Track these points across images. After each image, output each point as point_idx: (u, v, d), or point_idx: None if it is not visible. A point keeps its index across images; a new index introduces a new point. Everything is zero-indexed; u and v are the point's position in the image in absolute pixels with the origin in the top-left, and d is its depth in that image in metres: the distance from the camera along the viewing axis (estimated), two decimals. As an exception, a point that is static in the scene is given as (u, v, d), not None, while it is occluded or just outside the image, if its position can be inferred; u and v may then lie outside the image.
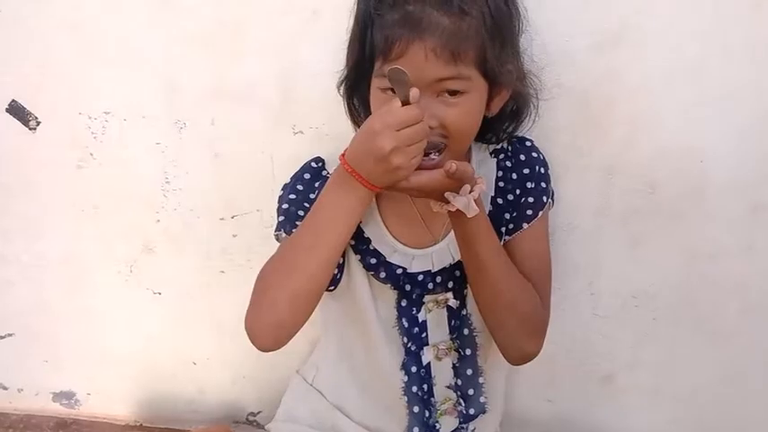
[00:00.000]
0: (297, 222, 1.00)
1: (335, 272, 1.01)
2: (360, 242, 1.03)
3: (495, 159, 1.07)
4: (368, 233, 1.03)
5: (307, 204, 1.01)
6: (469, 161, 1.06)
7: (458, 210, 0.89)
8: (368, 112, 1.01)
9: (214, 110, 1.23)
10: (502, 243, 1.04)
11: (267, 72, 1.19)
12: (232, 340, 1.39)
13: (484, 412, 1.10)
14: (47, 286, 1.41)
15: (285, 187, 1.07)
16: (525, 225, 1.05)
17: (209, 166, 1.26)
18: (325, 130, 1.19)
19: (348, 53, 1.00)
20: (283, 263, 0.95)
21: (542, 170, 1.08)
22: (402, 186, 0.88)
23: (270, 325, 0.94)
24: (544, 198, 1.07)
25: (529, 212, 1.06)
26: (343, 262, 1.04)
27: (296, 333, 0.95)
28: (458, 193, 0.89)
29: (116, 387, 1.46)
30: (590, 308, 1.27)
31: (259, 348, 0.95)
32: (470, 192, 0.89)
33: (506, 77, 0.96)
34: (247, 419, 1.45)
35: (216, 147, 1.25)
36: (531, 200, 1.06)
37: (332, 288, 1.04)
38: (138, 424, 1.46)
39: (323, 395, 1.16)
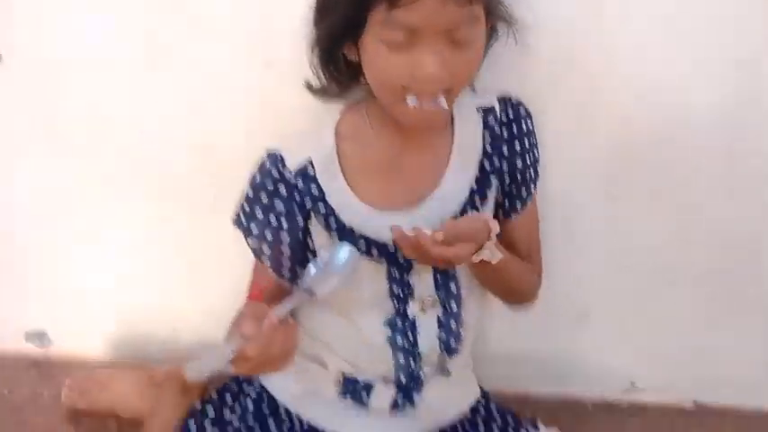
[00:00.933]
0: (268, 240, 1.00)
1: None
2: (342, 234, 0.99)
3: (482, 118, 1.03)
4: (349, 223, 0.99)
5: (273, 218, 0.99)
6: (452, 120, 1.02)
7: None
8: (355, 71, 0.95)
9: (185, 48, 1.18)
10: (505, 220, 1.05)
11: (236, 5, 1.15)
12: (204, 278, 1.37)
13: (456, 353, 1.10)
14: (17, 224, 1.38)
15: (249, 200, 1.02)
16: (530, 201, 1.06)
17: (181, 105, 1.22)
18: (295, 62, 1.15)
19: (324, 7, 0.92)
20: None
21: (536, 139, 1.06)
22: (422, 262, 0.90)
23: None
24: (539, 168, 1.06)
25: (533, 186, 1.05)
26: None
27: None
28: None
29: (89, 326, 1.45)
30: (562, 241, 1.26)
31: None
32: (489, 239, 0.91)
33: (497, 9, 0.93)
34: (223, 357, 1.44)
35: (187, 85, 1.21)
36: (532, 173, 1.05)
37: None
38: (111, 362, 1.44)
39: (302, 325, 1.11)
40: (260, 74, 1.18)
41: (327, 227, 0.99)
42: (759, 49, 1.11)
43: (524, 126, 1.03)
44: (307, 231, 1.01)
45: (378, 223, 0.98)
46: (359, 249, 0.97)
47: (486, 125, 1.02)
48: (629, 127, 1.17)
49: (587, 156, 1.20)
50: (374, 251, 0.99)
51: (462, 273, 1.04)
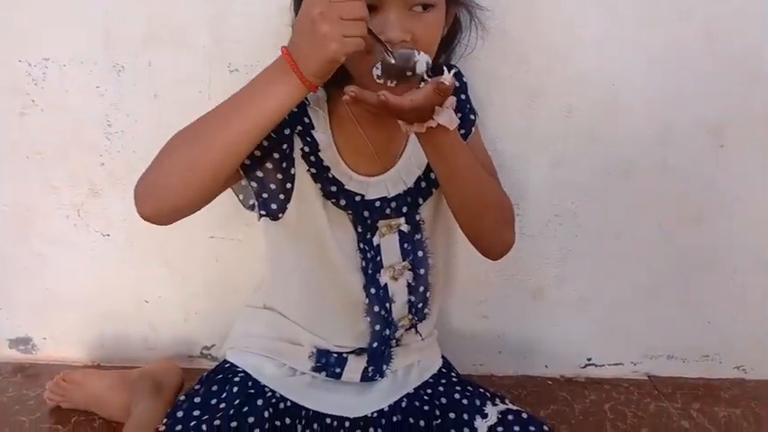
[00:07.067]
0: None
1: (282, 197, 1.04)
2: (320, 170, 1.05)
3: None
4: (327, 161, 1.05)
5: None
6: None
7: (438, 125, 0.91)
8: None
9: (150, 53, 1.26)
10: None
11: (199, 14, 1.23)
12: (182, 278, 1.43)
13: (425, 319, 1.18)
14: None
15: None
16: (473, 129, 1.16)
17: (149, 108, 1.29)
18: (260, 66, 1.22)
19: None
20: (190, 130, 0.92)
21: (467, 94, 1.17)
22: (394, 104, 0.86)
23: (155, 186, 0.91)
24: (471, 116, 1.16)
25: (473, 117, 1.17)
26: (292, 187, 1.05)
27: (183, 210, 0.92)
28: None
29: (71, 330, 1.49)
30: (518, 227, 1.34)
31: (140, 213, 0.91)
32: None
33: None
34: (202, 353, 1.51)
35: (154, 88, 1.28)
36: (473, 115, 1.17)
37: (280, 216, 1.06)
38: (95, 364, 1.50)
39: (276, 311, 1.17)
40: (225, 77, 1.27)
41: (306, 159, 1.04)
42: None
43: (465, 87, 1.18)
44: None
45: (346, 172, 1.06)
46: (331, 193, 1.05)
47: None
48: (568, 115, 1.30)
49: (531, 142, 1.32)
50: (342, 201, 1.06)
51: (430, 240, 1.13)
